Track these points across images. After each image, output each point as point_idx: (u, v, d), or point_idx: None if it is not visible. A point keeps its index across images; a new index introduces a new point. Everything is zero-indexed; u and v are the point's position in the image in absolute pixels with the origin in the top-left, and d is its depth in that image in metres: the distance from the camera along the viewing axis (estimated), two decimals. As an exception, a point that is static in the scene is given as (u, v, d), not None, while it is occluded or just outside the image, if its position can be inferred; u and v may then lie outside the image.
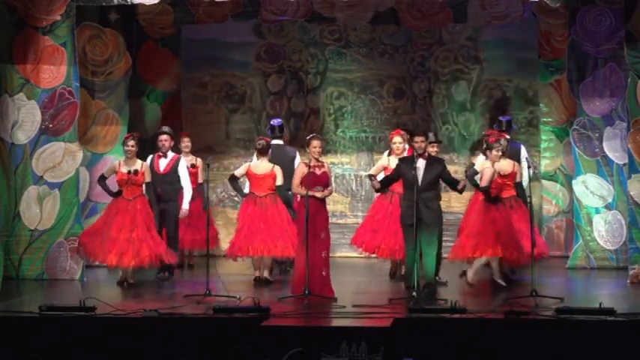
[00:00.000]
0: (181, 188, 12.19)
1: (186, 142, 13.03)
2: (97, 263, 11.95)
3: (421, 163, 10.77)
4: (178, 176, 12.18)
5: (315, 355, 8.56)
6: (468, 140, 14.60)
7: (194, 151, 13.23)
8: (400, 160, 11.22)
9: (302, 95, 14.81)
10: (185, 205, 12.14)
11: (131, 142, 11.70)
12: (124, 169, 11.64)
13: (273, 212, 11.80)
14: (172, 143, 12.32)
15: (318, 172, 10.80)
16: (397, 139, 11.90)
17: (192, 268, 13.23)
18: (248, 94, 14.85)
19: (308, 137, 11.07)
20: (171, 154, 12.26)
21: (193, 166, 12.83)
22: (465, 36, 14.57)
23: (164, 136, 12.23)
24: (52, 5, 12.22)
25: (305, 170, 10.80)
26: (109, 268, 11.89)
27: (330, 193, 10.93)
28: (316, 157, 10.84)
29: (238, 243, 11.77)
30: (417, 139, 10.85)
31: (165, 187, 12.09)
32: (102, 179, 11.86)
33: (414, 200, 10.49)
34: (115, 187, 11.70)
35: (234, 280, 11.59)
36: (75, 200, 12.31)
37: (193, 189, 12.37)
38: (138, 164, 11.67)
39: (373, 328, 8.95)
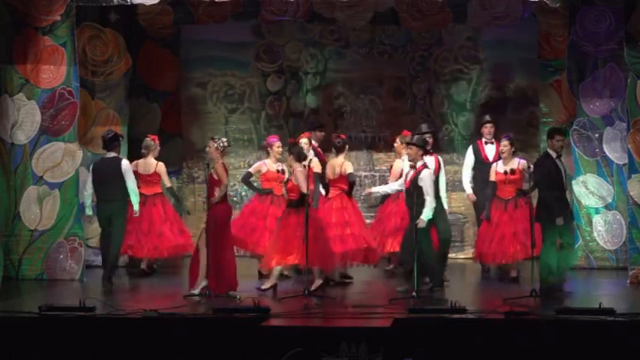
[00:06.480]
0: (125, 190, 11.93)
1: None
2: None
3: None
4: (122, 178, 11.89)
5: (315, 355, 8.56)
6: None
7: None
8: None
9: (301, 95, 14.80)
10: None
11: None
12: None
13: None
14: None
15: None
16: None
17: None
18: (247, 94, 14.81)
19: None
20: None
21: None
22: (464, 36, 14.53)
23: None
24: (52, 5, 12.22)
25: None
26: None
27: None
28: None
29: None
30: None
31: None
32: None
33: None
34: None
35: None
36: (75, 200, 12.30)
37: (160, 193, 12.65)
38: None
39: (373, 328, 8.95)
